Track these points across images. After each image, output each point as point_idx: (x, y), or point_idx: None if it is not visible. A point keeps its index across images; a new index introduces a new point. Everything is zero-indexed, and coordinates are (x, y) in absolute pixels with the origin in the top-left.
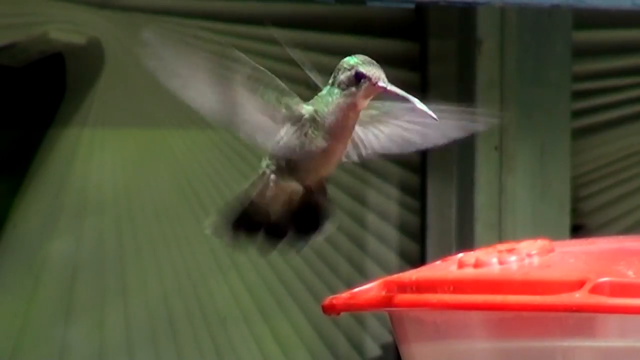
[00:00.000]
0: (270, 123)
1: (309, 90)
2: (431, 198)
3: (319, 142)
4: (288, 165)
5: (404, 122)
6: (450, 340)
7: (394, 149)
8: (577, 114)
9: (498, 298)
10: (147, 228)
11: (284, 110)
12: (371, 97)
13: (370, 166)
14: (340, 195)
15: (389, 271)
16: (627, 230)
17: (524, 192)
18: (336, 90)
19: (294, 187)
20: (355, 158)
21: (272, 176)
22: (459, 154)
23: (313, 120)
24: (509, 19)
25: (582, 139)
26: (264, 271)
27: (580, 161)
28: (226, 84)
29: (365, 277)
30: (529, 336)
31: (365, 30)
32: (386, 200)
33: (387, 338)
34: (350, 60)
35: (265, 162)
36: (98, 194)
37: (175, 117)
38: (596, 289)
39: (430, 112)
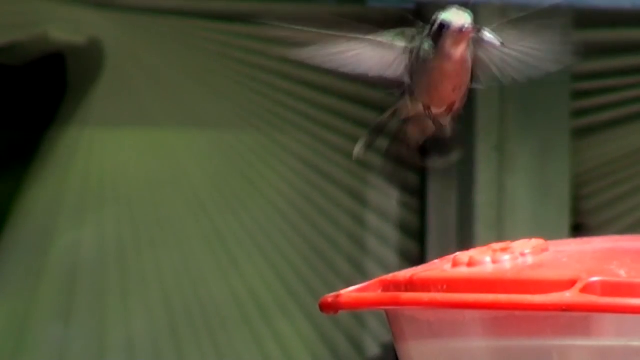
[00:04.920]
0: (388, 58)
1: (310, 91)
2: (431, 198)
3: (432, 62)
4: (410, 89)
5: (519, 47)
6: (444, 338)
7: (516, 74)
8: (577, 114)
9: (489, 297)
10: (147, 228)
11: (398, 44)
12: (462, 44)
13: (371, 166)
14: (341, 195)
15: (389, 271)
16: (628, 229)
17: (524, 191)
18: (429, 42)
19: (420, 111)
20: (487, 84)
21: (401, 101)
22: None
23: (420, 47)
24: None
25: (583, 138)
26: (264, 271)
27: (581, 160)
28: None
29: (366, 277)
30: (522, 335)
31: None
32: (386, 199)
33: (387, 337)
34: (440, 13)
35: (397, 92)
36: (98, 193)
37: (175, 117)
38: (587, 289)
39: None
